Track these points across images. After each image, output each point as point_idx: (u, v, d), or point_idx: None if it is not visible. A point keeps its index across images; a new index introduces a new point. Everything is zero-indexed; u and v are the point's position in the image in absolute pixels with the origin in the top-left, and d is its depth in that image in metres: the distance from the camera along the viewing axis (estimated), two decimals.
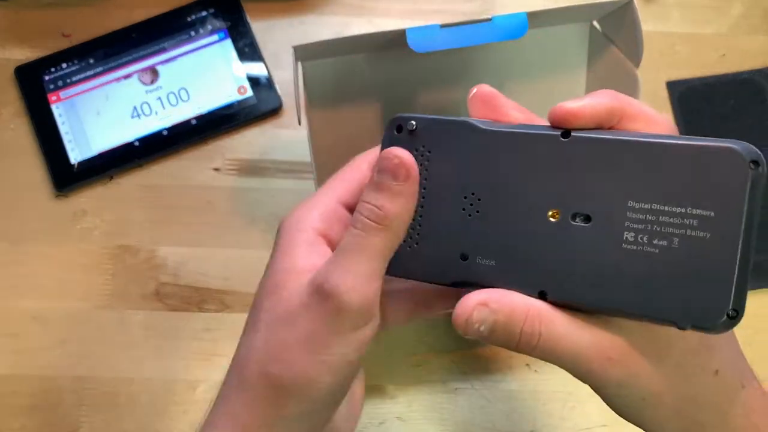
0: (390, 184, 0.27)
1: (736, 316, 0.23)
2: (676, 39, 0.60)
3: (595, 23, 0.47)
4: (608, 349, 0.26)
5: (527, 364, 0.52)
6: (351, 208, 0.29)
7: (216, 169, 0.56)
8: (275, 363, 0.27)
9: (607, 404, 0.28)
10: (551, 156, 0.26)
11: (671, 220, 0.24)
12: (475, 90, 0.28)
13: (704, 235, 0.24)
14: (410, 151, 0.28)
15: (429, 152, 0.28)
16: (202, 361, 0.52)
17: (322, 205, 0.30)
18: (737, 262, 0.23)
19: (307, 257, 0.28)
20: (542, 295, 0.26)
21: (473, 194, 0.27)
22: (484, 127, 0.28)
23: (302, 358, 0.26)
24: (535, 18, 0.41)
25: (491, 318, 0.25)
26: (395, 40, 0.41)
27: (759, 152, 0.24)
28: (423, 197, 0.28)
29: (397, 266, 0.28)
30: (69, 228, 0.54)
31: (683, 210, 0.24)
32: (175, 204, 0.55)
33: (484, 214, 0.27)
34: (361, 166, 0.31)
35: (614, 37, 0.45)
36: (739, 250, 0.23)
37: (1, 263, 0.53)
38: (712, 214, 0.23)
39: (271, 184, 0.56)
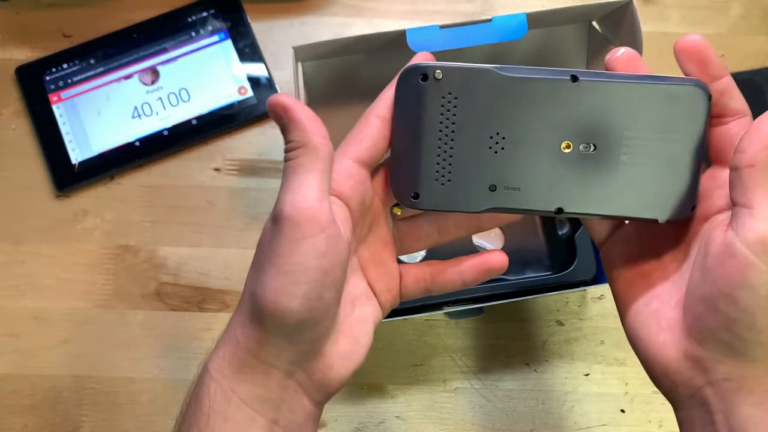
0: (286, 122, 0.31)
1: (695, 207, 0.31)
2: (675, 39, 0.60)
3: (595, 24, 0.47)
4: None
5: (527, 364, 0.52)
6: (365, 163, 0.33)
7: (216, 169, 0.56)
8: (253, 283, 0.30)
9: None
10: (563, 96, 0.31)
11: (655, 143, 0.31)
12: (621, 51, 0.33)
13: (677, 151, 0.31)
14: (438, 97, 0.31)
15: (456, 98, 0.32)
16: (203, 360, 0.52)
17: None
18: (698, 170, 0.31)
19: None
20: (559, 211, 0.32)
21: (498, 133, 0.31)
22: (504, 73, 0.31)
23: (269, 272, 0.29)
24: (535, 19, 0.41)
25: None
26: (395, 40, 0.41)
27: (708, 87, 0.31)
28: (452, 139, 0.32)
29: (430, 200, 0.32)
30: (70, 228, 0.54)
31: (663, 135, 0.31)
32: (176, 204, 0.55)
33: (509, 150, 0.32)
34: (369, 120, 0.33)
35: (613, 38, 0.45)
36: (699, 161, 0.31)
37: (2, 263, 0.53)
38: (682, 136, 0.31)
39: (271, 184, 0.56)
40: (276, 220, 0.30)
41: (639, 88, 0.31)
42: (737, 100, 0.32)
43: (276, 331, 0.30)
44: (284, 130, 0.31)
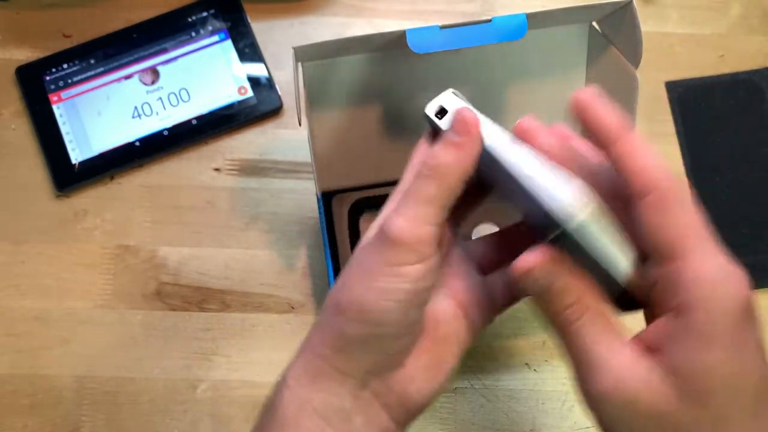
0: (448, 136, 0.30)
1: None
2: (675, 39, 0.60)
3: (595, 24, 0.47)
4: (642, 382, 0.27)
5: (526, 364, 0.52)
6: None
7: (216, 169, 0.56)
8: (340, 292, 0.31)
9: (595, 416, 0.29)
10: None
11: None
12: (516, 123, 0.32)
13: None
14: None
15: None
16: (203, 360, 0.52)
17: None
18: None
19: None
20: None
21: None
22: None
23: (358, 285, 0.30)
24: (535, 19, 0.41)
25: (550, 280, 0.29)
26: (395, 41, 0.41)
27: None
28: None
29: None
30: (70, 228, 0.54)
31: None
32: (176, 204, 0.55)
33: None
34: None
35: (613, 38, 0.45)
36: None
37: (2, 263, 0.53)
38: None
39: (271, 184, 0.56)
40: (381, 237, 0.30)
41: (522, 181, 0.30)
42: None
43: (355, 339, 0.30)
44: (439, 140, 0.31)
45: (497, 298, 0.35)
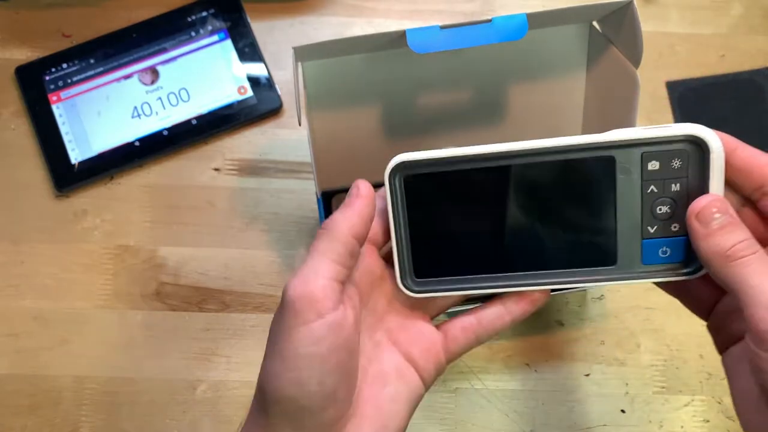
0: (347, 200, 0.32)
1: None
2: (675, 39, 0.60)
3: (595, 24, 0.47)
4: None
5: (527, 364, 0.52)
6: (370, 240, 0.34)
7: (216, 169, 0.56)
8: (261, 373, 0.30)
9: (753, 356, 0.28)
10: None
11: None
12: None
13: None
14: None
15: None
16: (202, 360, 0.52)
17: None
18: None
19: None
20: None
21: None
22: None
23: (269, 357, 0.29)
24: (535, 19, 0.41)
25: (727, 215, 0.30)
26: (395, 41, 0.41)
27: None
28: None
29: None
30: (69, 228, 0.54)
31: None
32: (175, 204, 0.55)
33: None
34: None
35: (614, 38, 0.45)
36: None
37: (2, 263, 0.53)
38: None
39: (271, 184, 0.56)
40: (281, 303, 0.30)
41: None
42: None
43: (279, 417, 0.29)
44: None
45: (458, 337, 0.35)
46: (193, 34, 0.58)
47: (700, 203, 0.29)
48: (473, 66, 0.48)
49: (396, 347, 0.34)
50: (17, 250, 0.54)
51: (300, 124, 0.42)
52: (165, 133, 0.56)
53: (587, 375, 0.52)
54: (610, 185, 0.31)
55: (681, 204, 0.30)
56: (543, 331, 0.53)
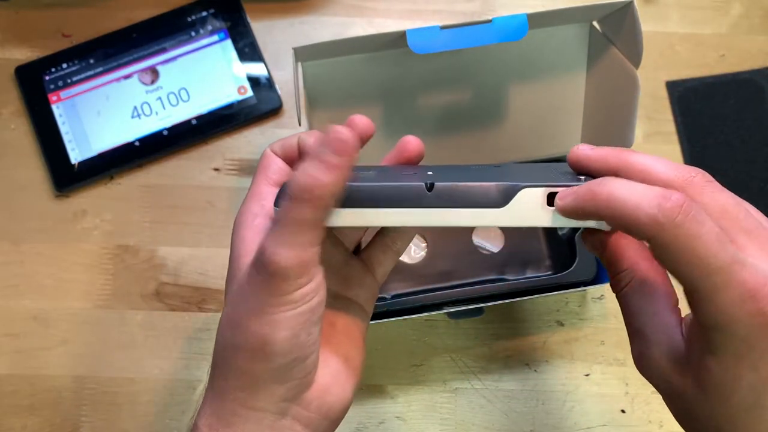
0: (329, 157, 0.27)
1: None
2: (675, 39, 0.60)
3: (595, 24, 0.47)
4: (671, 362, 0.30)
5: (527, 364, 0.52)
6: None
7: (216, 169, 0.56)
8: (234, 332, 0.29)
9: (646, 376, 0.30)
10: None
11: None
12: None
13: None
14: None
15: None
16: (202, 361, 0.52)
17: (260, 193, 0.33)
18: None
19: (252, 241, 0.31)
20: None
21: None
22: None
23: (255, 322, 0.29)
24: (535, 19, 0.41)
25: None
26: (395, 41, 0.41)
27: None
28: None
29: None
30: (69, 228, 0.54)
31: None
32: (175, 204, 0.55)
33: None
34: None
35: (614, 38, 0.45)
36: None
37: (2, 263, 0.53)
38: None
39: None
40: (263, 269, 0.28)
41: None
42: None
43: (263, 375, 0.29)
44: (318, 159, 0.29)
45: (377, 268, 0.36)
46: (193, 34, 0.58)
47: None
48: (473, 66, 0.48)
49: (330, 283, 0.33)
50: (17, 250, 0.54)
51: (300, 124, 0.42)
52: (165, 133, 0.56)
53: (587, 375, 0.52)
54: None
55: None
56: (543, 331, 0.53)
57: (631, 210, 0.25)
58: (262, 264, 0.28)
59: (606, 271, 0.33)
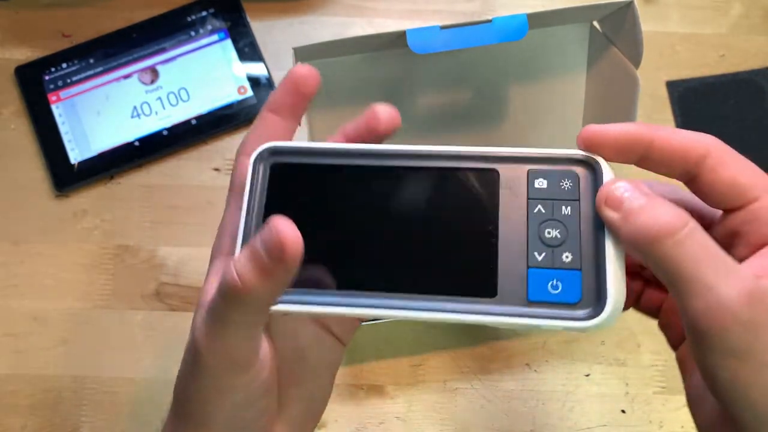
0: (259, 256, 0.24)
1: None
2: (675, 39, 0.60)
3: (596, 24, 0.47)
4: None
5: (527, 364, 0.52)
6: None
7: (216, 169, 0.56)
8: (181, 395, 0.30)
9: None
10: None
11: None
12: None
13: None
14: None
15: None
16: None
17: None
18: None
19: (210, 289, 0.28)
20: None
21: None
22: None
23: (195, 393, 0.28)
24: (536, 19, 0.41)
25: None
26: (395, 41, 0.41)
27: None
28: None
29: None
30: (69, 228, 0.54)
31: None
32: (175, 204, 0.55)
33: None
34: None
35: (614, 38, 0.45)
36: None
37: (2, 263, 0.53)
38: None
39: None
40: (194, 353, 0.27)
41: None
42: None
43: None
44: (252, 257, 0.25)
45: None
46: (192, 33, 0.58)
47: (604, 190, 0.25)
48: (473, 66, 0.48)
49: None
50: (16, 250, 0.54)
51: (300, 125, 0.42)
52: (165, 133, 0.56)
53: (587, 375, 0.52)
54: (492, 201, 0.26)
55: (572, 230, 0.25)
56: (543, 331, 0.53)
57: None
58: (195, 349, 0.26)
59: None
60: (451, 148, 0.27)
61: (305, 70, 0.30)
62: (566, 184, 0.26)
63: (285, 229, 0.23)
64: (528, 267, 0.25)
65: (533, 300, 0.25)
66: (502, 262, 0.26)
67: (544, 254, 0.25)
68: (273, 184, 0.28)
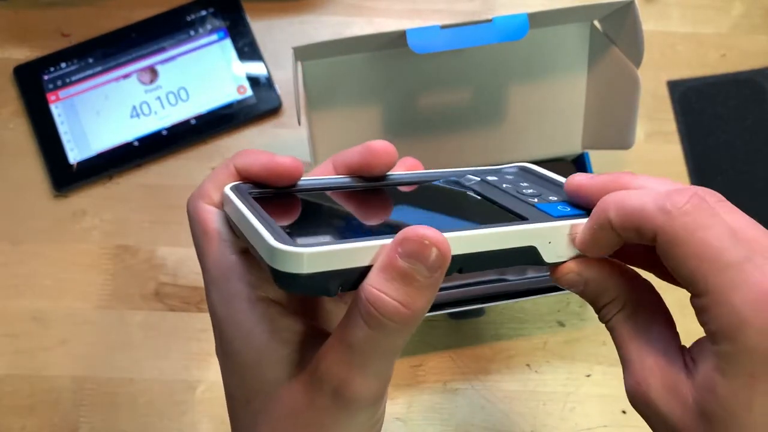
0: (421, 274, 0.22)
1: None
2: (676, 39, 0.60)
3: (596, 23, 0.47)
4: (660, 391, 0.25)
5: (527, 365, 0.52)
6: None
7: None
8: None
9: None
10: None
11: None
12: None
13: None
14: None
15: None
16: (202, 361, 0.51)
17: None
18: None
19: (254, 331, 0.28)
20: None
21: None
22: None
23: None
24: (536, 19, 0.41)
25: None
26: (395, 41, 0.41)
27: None
28: None
29: None
30: (68, 228, 0.54)
31: None
32: (175, 204, 0.55)
33: None
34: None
35: (615, 37, 0.45)
36: None
37: (1, 263, 0.53)
38: None
39: None
40: (337, 398, 0.25)
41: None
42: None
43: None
44: (405, 278, 0.23)
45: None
46: (192, 33, 0.57)
47: (572, 180, 0.28)
48: (473, 66, 0.48)
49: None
50: (16, 250, 0.54)
51: (299, 124, 0.41)
52: (164, 132, 0.55)
53: (588, 375, 0.52)
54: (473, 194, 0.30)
55: (544, 187, 0.31)
56: (544, 331, 0.53)
57: (638, 205, 0.24)
58: (342, 397, 0.25)
59: None
60: (418, 173, 0.31)
61: (293, 162, 0.27)
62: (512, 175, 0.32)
63: (427, 232, 0.22)
64: (536, 204, 0.29)
65: (557, 215, 0.28)
66: (516, 208, 0.28)
67: (537, 198, 0.29)
68: (261, 200, 0.27)
